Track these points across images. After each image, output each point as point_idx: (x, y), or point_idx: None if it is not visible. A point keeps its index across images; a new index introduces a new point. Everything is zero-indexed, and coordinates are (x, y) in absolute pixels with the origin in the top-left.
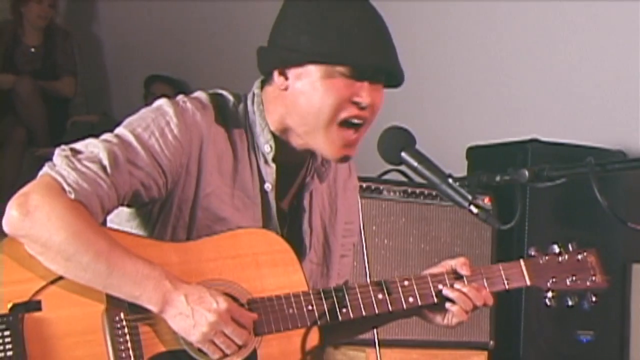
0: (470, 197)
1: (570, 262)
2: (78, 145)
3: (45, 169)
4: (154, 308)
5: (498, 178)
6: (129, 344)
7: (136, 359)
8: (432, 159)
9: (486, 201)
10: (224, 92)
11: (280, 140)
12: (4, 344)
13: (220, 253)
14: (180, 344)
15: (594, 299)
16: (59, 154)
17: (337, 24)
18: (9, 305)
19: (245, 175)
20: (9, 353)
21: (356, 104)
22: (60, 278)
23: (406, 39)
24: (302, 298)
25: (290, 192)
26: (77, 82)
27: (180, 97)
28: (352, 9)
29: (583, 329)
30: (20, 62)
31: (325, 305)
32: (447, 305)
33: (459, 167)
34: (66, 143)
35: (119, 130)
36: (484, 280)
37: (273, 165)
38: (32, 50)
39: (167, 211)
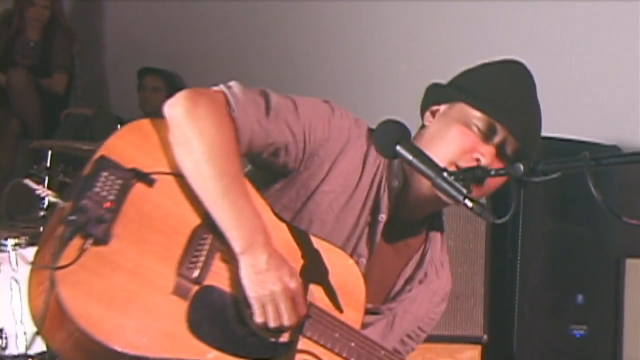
0: (465, 191)
1: None
2: None
3: (222, 86)
4: (237, 247)
5: (493, 172)
6: (200, 262)
7: (199, 276)
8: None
9: None
10: None
11: (409, 180)
12: (111, 190)
13: None
14: (238, 293)
15: None
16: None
17: (498, 84)
18: (130, 167)
19: (362, 197)
20: (110, 198)
21: (477, 160)
22: (182, 178)
23: (406, 35)
24: (349, 332)
25: (399, 240)
26: (72, 79)
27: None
28: (518, 84)
29: (576, 324)
30: (19, 54)
31: (365, 351)
32: None
33: None
34: (61, 136)
35: (293, 96)
36: None
37: (394, 201)
38: (32, 44)
39: (286, 190)
